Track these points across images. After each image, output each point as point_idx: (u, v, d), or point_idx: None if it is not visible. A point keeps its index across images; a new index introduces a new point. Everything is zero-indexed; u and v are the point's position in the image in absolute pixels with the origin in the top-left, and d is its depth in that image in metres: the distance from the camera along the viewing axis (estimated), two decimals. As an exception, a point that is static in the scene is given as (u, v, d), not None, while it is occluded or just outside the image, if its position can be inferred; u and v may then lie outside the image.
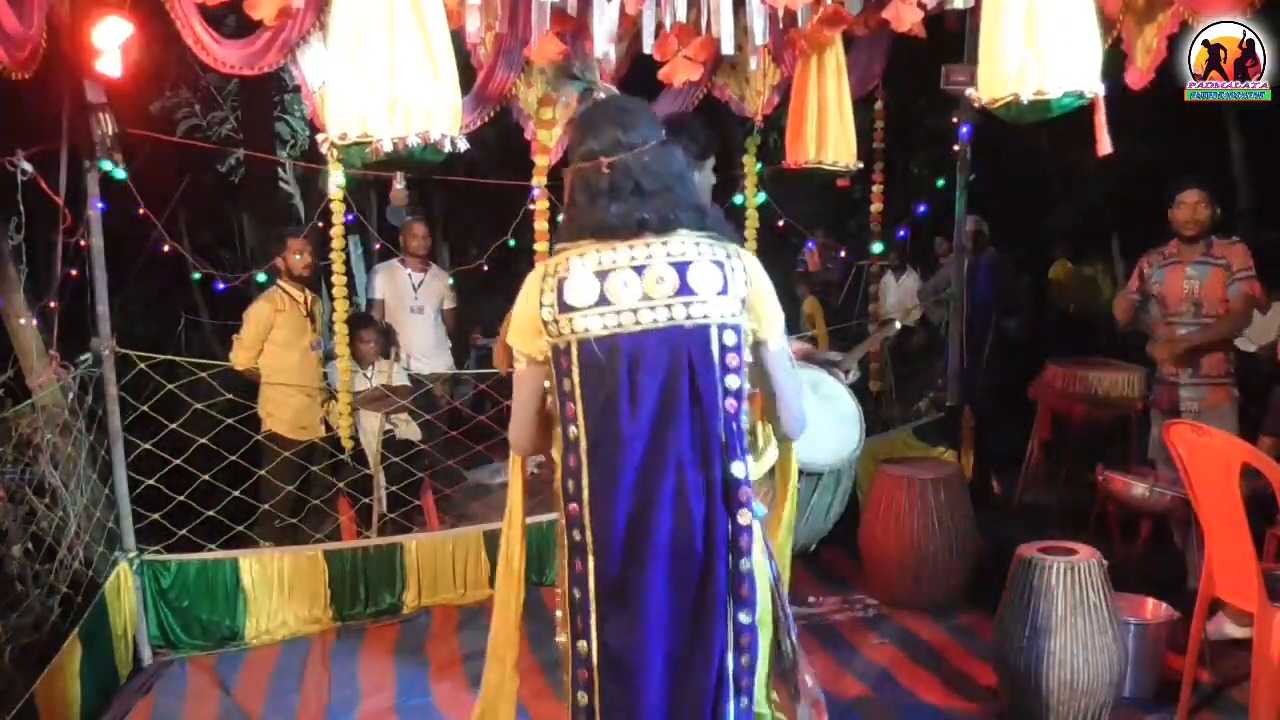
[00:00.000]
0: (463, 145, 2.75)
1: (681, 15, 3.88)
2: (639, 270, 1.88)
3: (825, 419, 2.92)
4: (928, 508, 4.24)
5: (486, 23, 3.94)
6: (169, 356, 4.18)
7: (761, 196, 5.28)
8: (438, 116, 2.73)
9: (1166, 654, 3.47)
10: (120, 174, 3.68)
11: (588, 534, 1.90)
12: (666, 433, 1.86)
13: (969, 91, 3.05)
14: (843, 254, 9.78)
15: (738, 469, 1.89)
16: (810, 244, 8.99)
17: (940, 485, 4.29)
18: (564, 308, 1.88)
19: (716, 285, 1.89)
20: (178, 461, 4.17)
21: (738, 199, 5.32)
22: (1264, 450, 3.23)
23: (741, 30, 4.17)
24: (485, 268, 7.11)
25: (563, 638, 2.00)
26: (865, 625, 4.17)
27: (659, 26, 4.01)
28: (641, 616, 1.87)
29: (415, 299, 5.63)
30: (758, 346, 1.99)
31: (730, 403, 1.90)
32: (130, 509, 3.96)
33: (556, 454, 1.97)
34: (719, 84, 4.75)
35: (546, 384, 1.97)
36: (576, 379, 1.89)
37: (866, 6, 4.10)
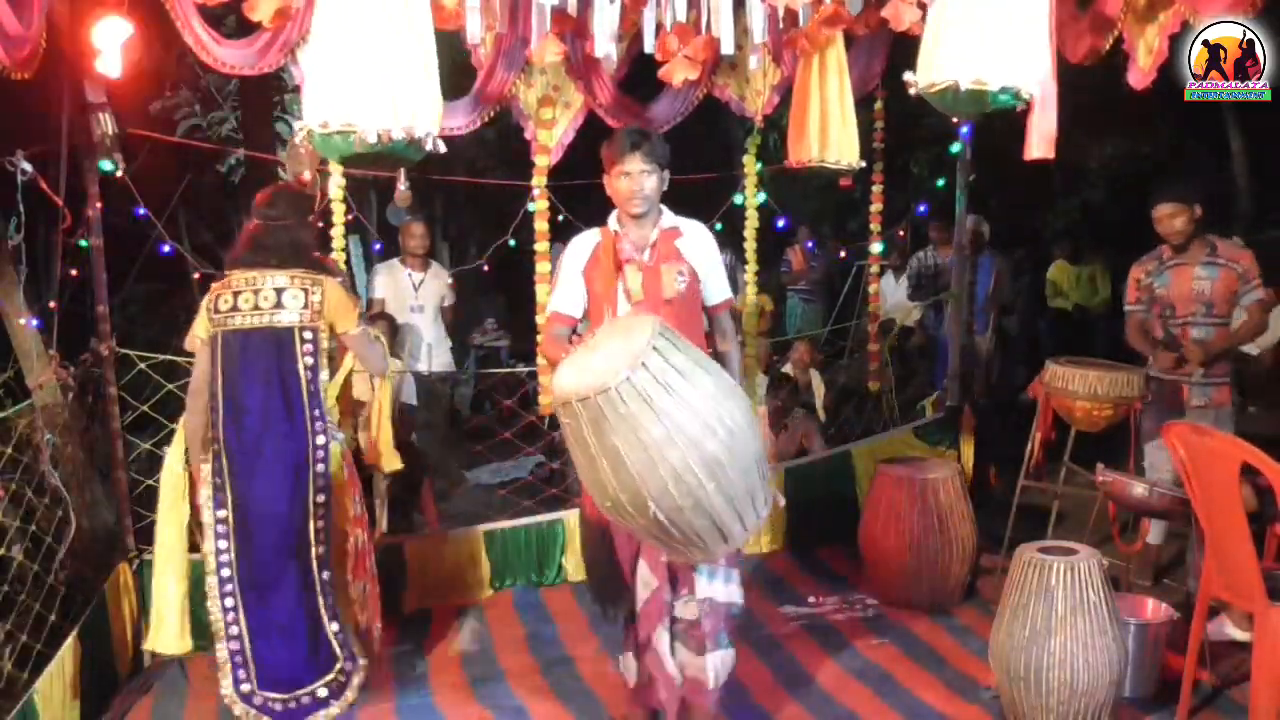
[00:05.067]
0: (442, 147, 2.79)
1: (681, 15, 3.89)
2: (256, 292, 3.25)
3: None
4: (928, 508, 4.24)
5: (486, 23, 3.94)
6: (169, 357, 4.18)
7: (761, 196, 5.28)
8: (423, 113, 2.74)
9: (1166, 654, 3.47)
10: (107, 165, 3.67)
11: (224, 461, 3.26)
12: (271, 392, 3.24)
13: (906, 76, 3.03)
14: (841, 255, 9.78)
15: (317, 412, 3.29)
16: (810, 245, 8.98)
17: (940, 485, 4.29)
18: (216, 310, 3.26)
19: (300, 301, 3.25)
20: (178, 461, 4.16)
21: (738, 199, 5.33)
22: None
23: (741, 30, 4.17)
24: (485, 268, 7.12)
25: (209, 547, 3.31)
26: (865, 625, 4.17)
27: (659, 26, 4.01)
28: (261, 500, 3.25)
29: (415, 298, 5.63)
30: (342, 334, 3.36)
31: (309, 374, 3.26)
32: (130, 509, 3.96)
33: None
34: (719, 84, 4.75)
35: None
36: (219, 358, 3.26)
37: (866, 6, 4.10)
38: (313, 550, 3.32)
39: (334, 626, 3.36)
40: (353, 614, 3.49)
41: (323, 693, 3.32)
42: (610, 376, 2.32)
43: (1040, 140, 3.40)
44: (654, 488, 2.35)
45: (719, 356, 3.16)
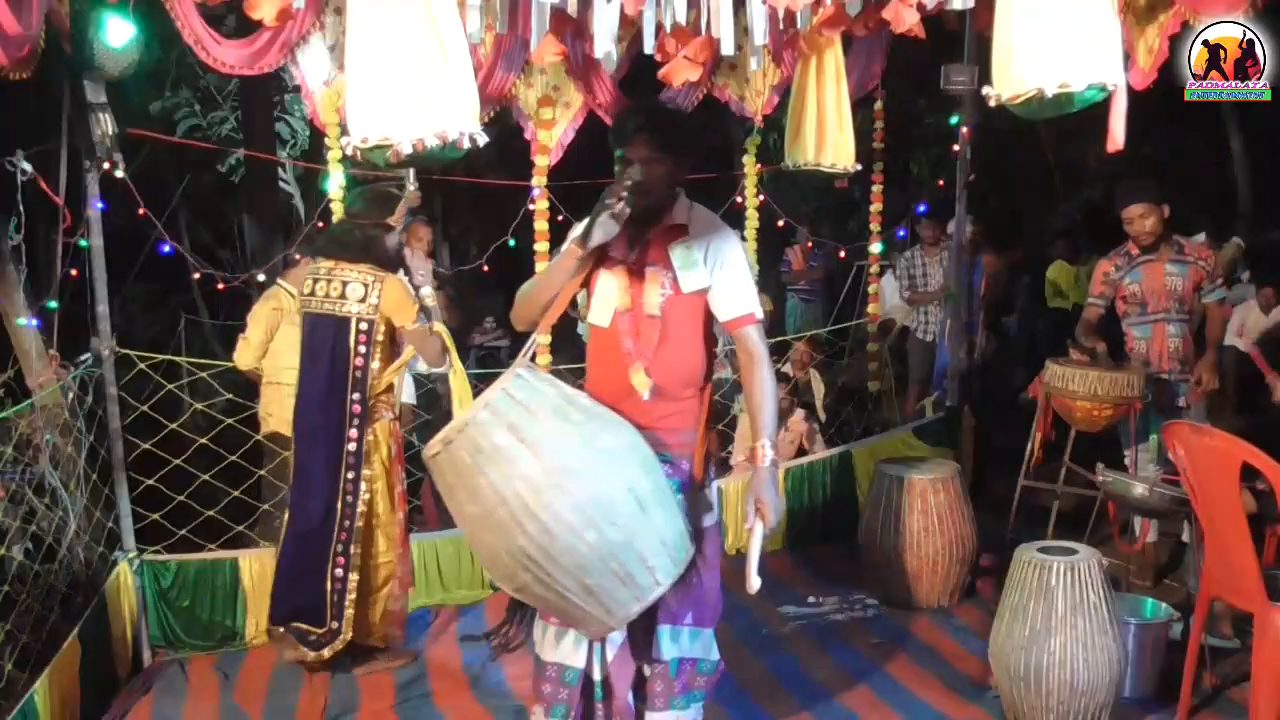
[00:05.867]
0: (482, 140, 2.76)
1: (681, 16, 3.89)
2: (329, 281, 3.59)
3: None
4: (928, 508, 4.24)
5: (486, 23, 3.94)
6: (169, 357, 4.19)
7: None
8: (454, 114, 2.73)
9: (1166, 654, 3.47)
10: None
11: (295, 430, 3.72)
12: (324, 372, 3.60)
13: (985, 90, 2.95)
14: (842, 254, 9.77)
15: (357, 396, 3.60)
16: (811, 246, 8.98)
17: (940, 485, 4.29)
18: (301, 292, 3.71)
19: (360, 295, 3.56)
20: (178, 461, 4.17)
21: (738, 199, 5.33)
22: None
23: (741, 31, 4.17)
24: (485, 268, 7.12)
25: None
26: (865, 625, 4.17)
27: (659, 27, 4.01)
28: (306, 467, 3.66)
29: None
30: (400, 328, 3.63)
31: (359, 361, 3.58)
32: (130, 509, 3.96)
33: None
34: (719, 84, 4.76)
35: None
36: (302, 336, 3.68)
37: (866, 7, 4.10)
38: (337, 520, 3.64)
39: (335, 593, 3.65)
40: (382, 589, 3.77)
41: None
42: (438, 440, 2.21)
43: (1120, 130, 3.32)
44: (484, 556, 2.35)
45: (748, 385, 2.57)
